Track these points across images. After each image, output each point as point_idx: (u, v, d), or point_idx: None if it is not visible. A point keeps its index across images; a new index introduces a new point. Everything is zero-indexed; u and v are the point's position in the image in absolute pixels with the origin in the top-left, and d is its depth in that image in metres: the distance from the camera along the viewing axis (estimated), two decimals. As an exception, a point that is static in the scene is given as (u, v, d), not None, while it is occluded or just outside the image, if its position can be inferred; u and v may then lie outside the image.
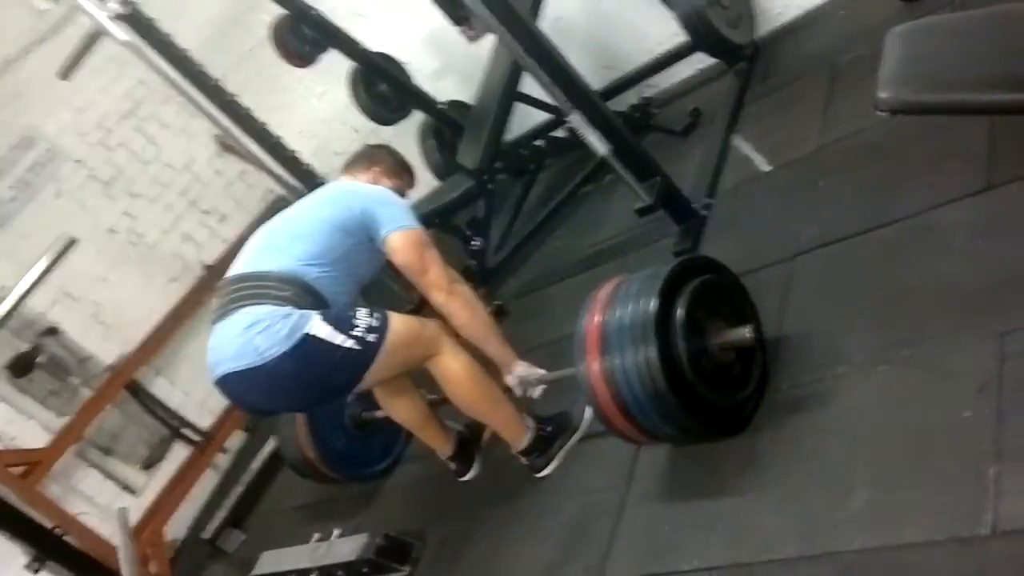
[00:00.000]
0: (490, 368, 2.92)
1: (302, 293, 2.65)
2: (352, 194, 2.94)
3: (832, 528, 2.01)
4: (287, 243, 2.78)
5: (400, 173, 3.21)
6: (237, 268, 2.81)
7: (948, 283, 2.29)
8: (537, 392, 2.98)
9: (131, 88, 5.36)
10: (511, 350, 2.92)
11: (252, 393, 2.73)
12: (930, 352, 2.17)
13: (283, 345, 2.54)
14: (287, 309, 2.58)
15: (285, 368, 2.56)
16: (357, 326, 2.63)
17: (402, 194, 3.15)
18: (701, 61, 4.35)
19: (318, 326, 2.57)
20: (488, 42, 4.38)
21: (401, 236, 2.80)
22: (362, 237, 2.80)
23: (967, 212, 2.42)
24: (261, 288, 2.65)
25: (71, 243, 3.52)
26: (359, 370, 2.67)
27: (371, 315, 2.69)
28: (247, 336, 2.56)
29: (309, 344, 2.55)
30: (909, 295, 2.36)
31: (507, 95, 3.98)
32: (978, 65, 1.73)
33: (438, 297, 2.81)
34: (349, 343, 2.60)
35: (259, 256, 2.81)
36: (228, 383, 2.68)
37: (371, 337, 2.65)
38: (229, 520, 4.45)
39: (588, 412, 2.94)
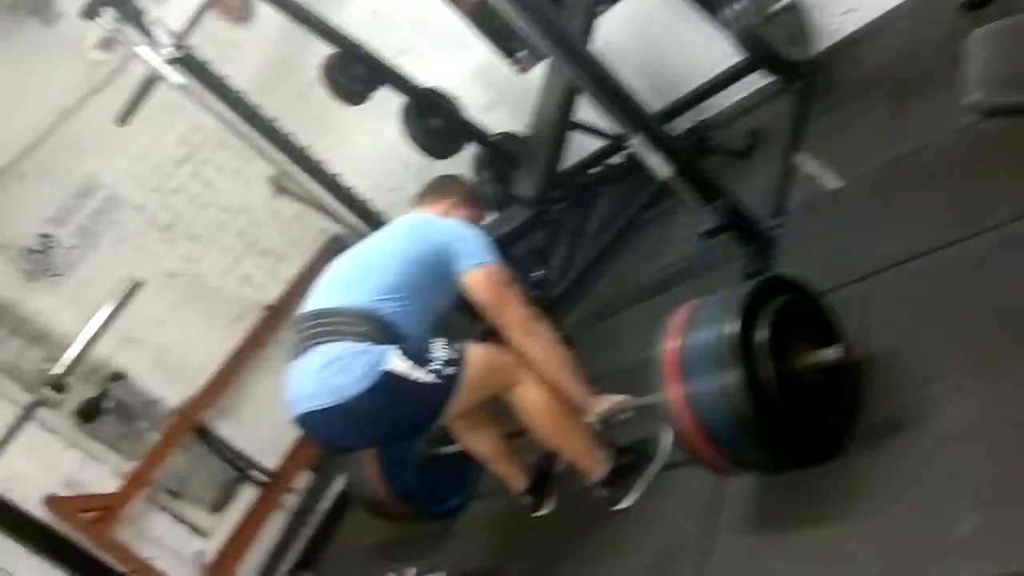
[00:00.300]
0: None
1: (378, 328, 2.63)
2: (427, 227, 2.91)
3: (941, 555, 1.92)
4: (361, 278, 2.77)
5: (474, 203, 3.19)
6: (311, 304, 2.80)
7: (1039, 296, 2.20)
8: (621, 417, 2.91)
9: (185, 133, 5.42)
10: (592, 392, 2.85)
11: (332, 431, 2.72)
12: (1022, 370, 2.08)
13: (362, 383, 2.52)
14: (364, 345, 2.57)
15: (365, 406, 2.54)
16: (435, 359, 2.61)
17: (477, 223, 3.13)
18: (756, 82, 4.31)
19: (396, 362, 2.55)
20: (537, 73, 4.38)
21: (480, 273, 2.77)
22: (438, 272, 2.77)
23: (1054, 220, 2.34)
24: (337, 324, 2.64)
25: (136, 286, 3.55)
26: (440, 404, 2.65)
27: (448, 347, 2.67)
28: (325, 374, 2.56)
29: (388, 381, 2.54)
30: (1002, 310, 2.26)
31: (561, 123, 3.97)
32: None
33: (516, 335, 2.77)
34: (428, 377, 2.58)
35: (333, 291, 2.80)
36: (307, 422, 2.68)
37: (450, 370, 2.62)
38: (300, 562, 4.43)
39: (668, 440, 2.89)
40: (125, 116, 4.13)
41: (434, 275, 2.77)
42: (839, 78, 3.86)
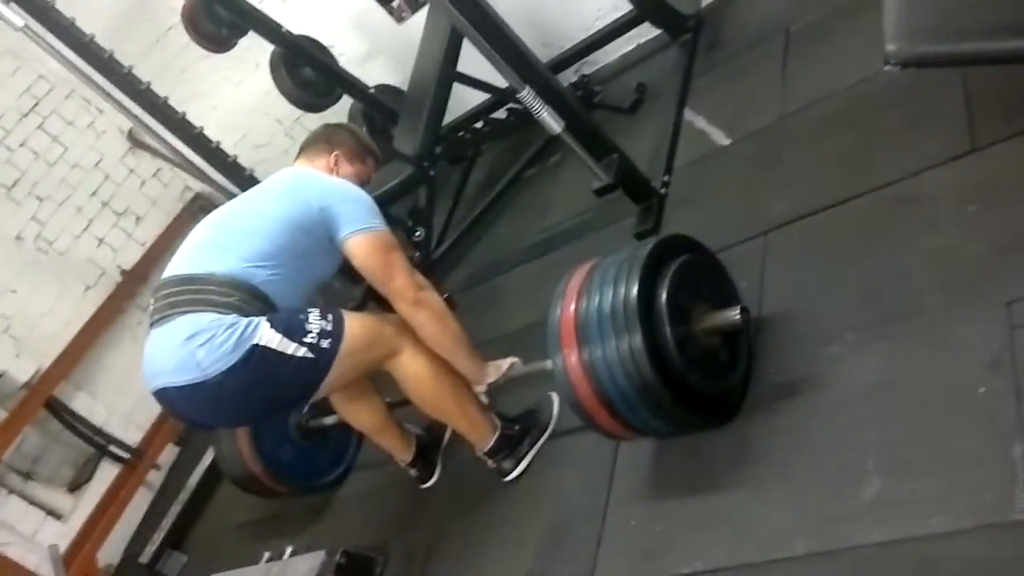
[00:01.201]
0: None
1: (249, 298, 2.39)
2: (309, 187, 2.63)
3: (844, 521, 1.87)
4: (234, 241, 2.50)
5: (363, 156, 2.92)
6: (176, 268, 2.53)
7: (942, 252, 2.15)
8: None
9: (31, 84, 4.98)
10: (481, 361, 2.71)
11: (195, 409, 2.47)
12: (931, 326, 2.04)
13: (229, 359, 2.29)
14: (231, 317, 2.33)
15: (232, 383, 2.31)
16: (309, 332, 2.39)
17: (367, 180, 2.92)
18: (641, 35, 4.20)
19: (267, 335, 2.33)
20: (418, 21, 4.17)
21: (364, 239, 2.54)
22: (320, 236, 2.53)
23: (953, 176, 2.29)
24: (202, 293, 2.38)
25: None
26: (314, 380, 2.45)
27: (324, 317, 2.45)
28: (188, 348, 2.30)
29: (258, 356, 2.31)
30: (899, 267, 2.23)
31: (445, 75, 3.75)
32: (991, 11, 1.59)
33: (403, 307, 2.57)
34: (302, 351, 2.37)
35: (201, 255, 2.52)
36: (167, 397, 2.43)
37: (325, 343, 2.41)
38: (168, 541, 4.15)
39: (557, 407, 2.78)
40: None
41: (313, 240, 2.53)
42: (726, 32, 3.76)
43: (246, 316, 2.34)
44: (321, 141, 2.87)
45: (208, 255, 2.50)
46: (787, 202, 2.72)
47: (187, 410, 2.50)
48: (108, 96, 3.55)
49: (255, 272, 2.43)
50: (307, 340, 2.39)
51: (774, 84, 3.20)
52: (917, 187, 2.36)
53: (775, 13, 3.52)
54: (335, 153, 2.82)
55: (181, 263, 2.53)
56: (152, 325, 2.46)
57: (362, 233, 2.53)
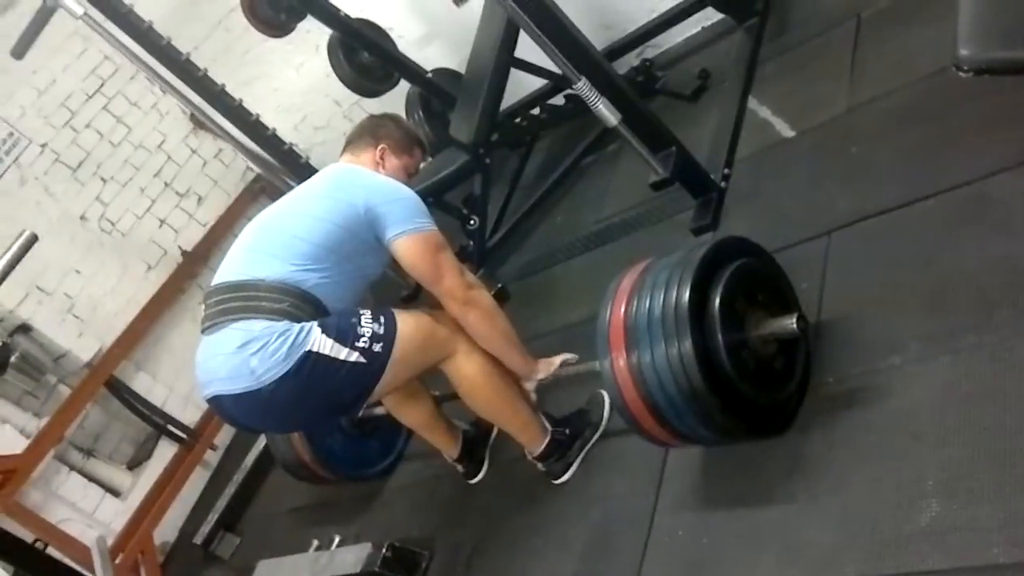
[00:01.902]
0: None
1: (300, 303, 2.36)
2: (354, 186, 2.56)
3: (899, 545, 1.78)
4: (281, 245, 2.46)
5: (410, 148, 2.86)
6: (226, 274, 2.50)
7: (1012, 261, 2.03)
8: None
9: (97, 65, 5.03)
10: (531, 358, 2.67)
11: (249, 415, 2.47)
12: (999, 341, 1.93)
13: (282, 367, 2.27)
14: (284, 324, 2.30)
15: (286, 390, 2.29)
16: (362, 336, 2.35)
17: (415, 171, 2.88)
18: (706, 18, 4.07)
19: (319, 340, 2.30)
20: (476, 4, 4.09)
21: (411, 240, 2.48)
22: (367, 236, 2.48)
23: (1027, 181, 2.17)
24: (253, 300, 2.36)
25: (33, 239, 3.23)
26: (367, 385, 2.41)
27: (376, 320, 2.41)
28: (241, 356, 2.28)
29: (311, 363, 2.29)
30: (967, 275, 2.11)
31: (502, 61, 3.67)
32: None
33: (454, 307, 2.53)
34: (355, 356, 2.33)
35: (249, 260, 2.49)
36: (221, 404, 2.42)
37: (378, 347, 2.37)
38: (222, 522, 4.19)
39: (607, 409, 2.72)
40: (22, 49, 3.74)
41: (360, 241, 2.48)
42: (795, 18, 3.61)
43: (298, 322, 2.32)
44: (366, 135, 2.81)
45: (257, 261, 2.46)
46: (852, 200, 2.60)
47: (241, 416, 2.49)
48: (167, 84, 3.54)
49: (304, 276, 2.39)
50: (359, 344, 2.35)
51: (843, 74, 3.06)
52: (989, 190, 2.23)
53: (845, -1, 3.38)
54: (381, 147, 2.77)
55: (230, 269, 2.51)
56: (204, 331, 2.45)
57: (409, 234, 2.48)
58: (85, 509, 4.40)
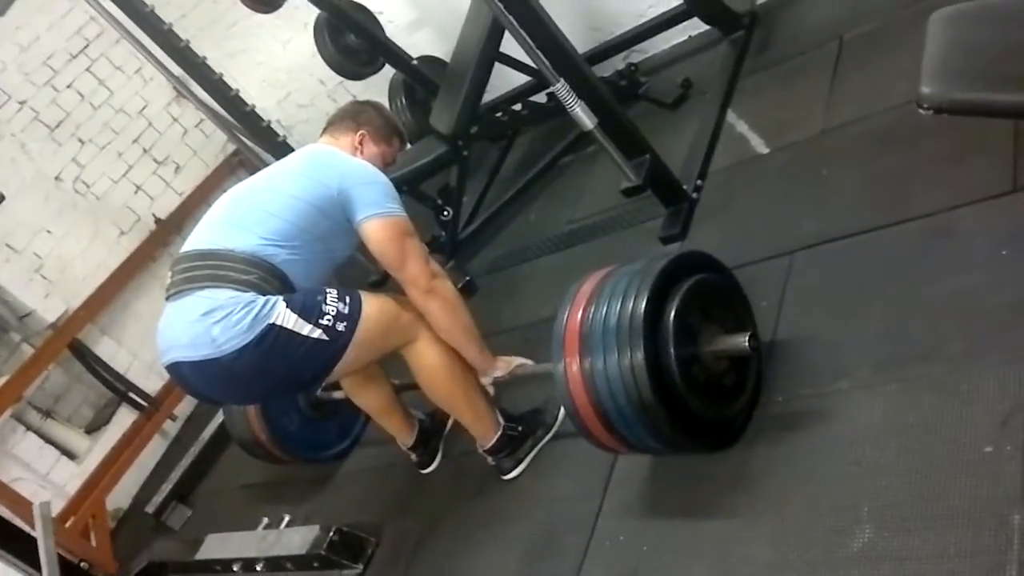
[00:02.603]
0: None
1: (267, 277, 2.37)
2: (330, 167, 2.57)
3: (831, 568, 1.81)
4: (253, 219, 2.46)
5: (389, 137, 2.86)
6: (196, 242, 2.51)
7: (969, 296, 2.06)
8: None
9: (82, 26, 4.99)
10: (489, 354, 2.68)
11: (207, 384, 2.47)
12: (947, 374, 1.96)
13: (244, 337, 2.27)
14: (249, 296, 2.31)
15: (245, 362, 2.30)
16: (326, 313, 2.37)
17: (392, 160, 2.87)
18: (693, 27, 4.08)
19: (283, 314, 2.31)
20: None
21: (379, 224, 2.50)
22: (339, 218, 2.49)
23: (990, 216, 2.19)
24: (222, 269, 2.36)
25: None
26: (327, 363, 2.43)
27: (342, 300, 2.42)
28: (204, 324, 2.29)
29: (273, 336, 2.29)
30: (923, 306, 2.14)
31: (487, 55, 3.67)
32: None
33: (416, 294, 2.54)
34: (317, 333, 2.34)
35: (221, 231, 2.49)
36: (180, 371, 2.43)
37: (341, 326, 2.39)
38: (175, 493, 4.20)
39: (562, 410, 2.73)
40: (3, 4, 3.70)
41: (331, 222, 2.49)
42: (779, 35, 3.64)
43: (264, 295, 2.32)
44: (348, 119, 2.81)
45: (228, 231, 2.47)
46: (818, 222, 2.63)
47: (199, 385, 2.50)
48: (148, 53, 3.51)
49: (274, 252, 2.40)
50: (323, 322, 2.36)
51: (821, 94, 3.09)
52: (952, 222, 2.27)
53: (831, 19, 3.41)
54: (361, 132, 2.77)
55: (200, 238, 2.51)
56: (168, 299, 2.45)
57: (378, 217, 2.50)
58: (39, 470, 4.39)
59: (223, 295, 2.32)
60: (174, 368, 2.45)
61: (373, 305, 2.51)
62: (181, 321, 2.37)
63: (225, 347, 2.29)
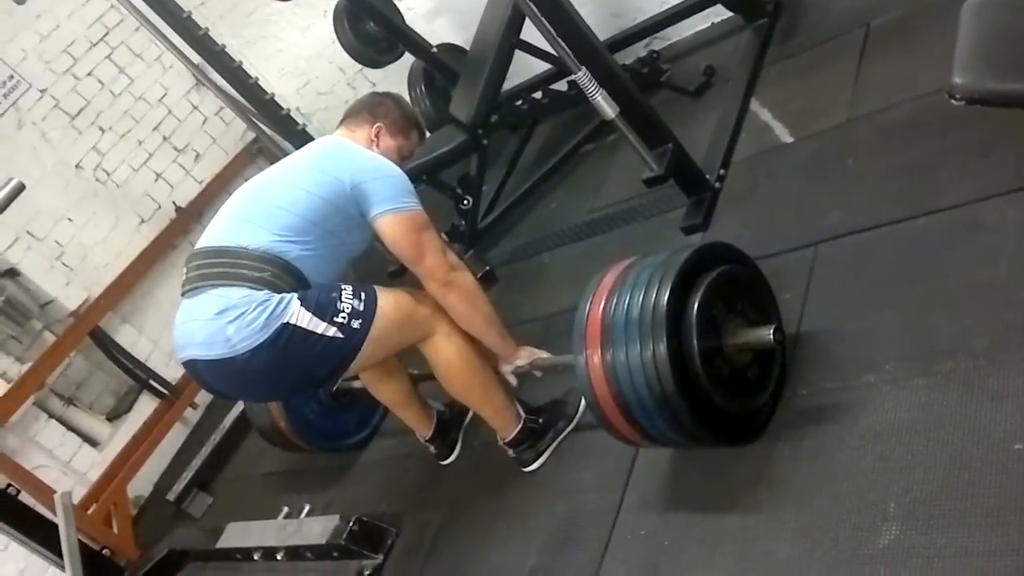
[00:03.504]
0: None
1: (281, 274, 2.35)
2: (343, 161, 2.54)
3: (856, 564, 1.79)
4: (266, 215, 2.44)
5: (407, 130, 2.82)
6: (209, 239, 2.50)
7: (996, 290, 2.02)
8: (537, 374, 2.76)
9: (103, 14, 5.00)
10: (512, 342, 2.66)
11: (223, 382, 2.48)
12: (975, 368, 1.92)
13: (258, 337, 2.26)
14: (263, 294, 2.29)
15: (260, 361, 2.29)
16: (341, 311, 2.35)
17: (409, 154, 2.84)
18: (716, 14, 4.03)
19: (297, 313, 2.29)
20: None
21: (394, 219, 2.47)
22: (353, 212, 2.47)
23: (1018, 209, 2.15)
24: (235, 267, 2.35)
25: (20, 188, 3.21)
26: (343, 360, 2.41)
27: (357, 296, 2.40)
28: (219, 323, 2.28)
29: (287, 335, 2.28)
30: (950, 299, 2.11)
31: (507, 43, 3.64)
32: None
33: (434, 287, 2.52)
34: (332, 331, 2.33)
35: (234, 227, 2.47)
36: (196, 369, 2.43)
37: (356, 323, 2.37)
38: (196, 481, 4.21)
39: (583, 402, 2.72)
40: (23, -8, 3.71)
41: (345, 216, 2.47)
42: (804, 21, 3.59)
43: (278, 292, 2.31)
44: (365, 111, 2.78)
45: (241, 228, 2.45)
46: (844, 213, 2.59)
47: (215, 382, 2.50)
48: (168, 41, 3.50)
49: (287, 248, 2.39)
50: (338, 320, 2.35)
51: (847, 82, 3.04)
52: (980, 215, 2.22)
53: (857, 5, 3.36)
54: (378, 125, 2.74)
55: (214, 234, 2.50)
56: (184, 295, 2.45)
57: (394, 212, 2.47)
58: (61, 457, 4.42)
59: (237, 294, 2.31)
60: (190, 365, 2.45)
61: (389, 301, 2.49)
62: (195, 319, 2.37)
63: (239, 347, 2.29)
